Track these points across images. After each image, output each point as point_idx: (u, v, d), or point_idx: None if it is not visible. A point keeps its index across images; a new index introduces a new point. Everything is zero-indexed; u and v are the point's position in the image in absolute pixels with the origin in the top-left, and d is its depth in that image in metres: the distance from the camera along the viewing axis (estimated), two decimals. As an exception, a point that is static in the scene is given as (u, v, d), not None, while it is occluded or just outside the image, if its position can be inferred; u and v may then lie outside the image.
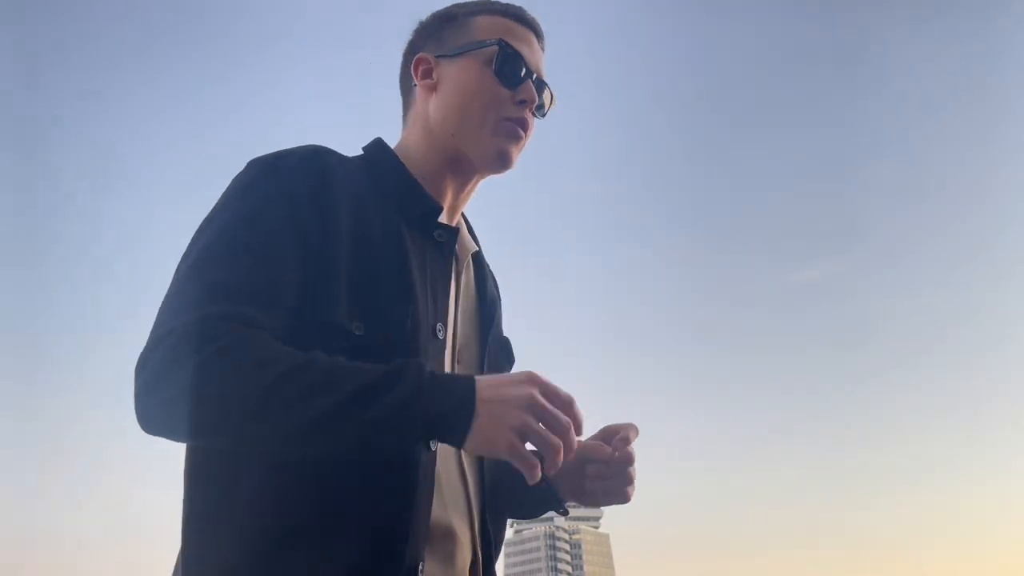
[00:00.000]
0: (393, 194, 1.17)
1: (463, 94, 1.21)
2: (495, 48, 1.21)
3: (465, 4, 1.29)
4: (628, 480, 1.23)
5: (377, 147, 1.26)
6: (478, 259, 1.30)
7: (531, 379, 0.95)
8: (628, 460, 1.22)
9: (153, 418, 0.95)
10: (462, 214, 1.31)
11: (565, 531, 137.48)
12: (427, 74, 1.26)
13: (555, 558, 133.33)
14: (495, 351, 1.30)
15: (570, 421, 0.95)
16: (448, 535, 1.09)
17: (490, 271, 1.35)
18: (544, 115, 1.30)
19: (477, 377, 0.96)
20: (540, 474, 0.94)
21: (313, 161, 1.11)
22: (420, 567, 1.02)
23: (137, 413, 0.95)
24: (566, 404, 0.96)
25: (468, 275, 1.27)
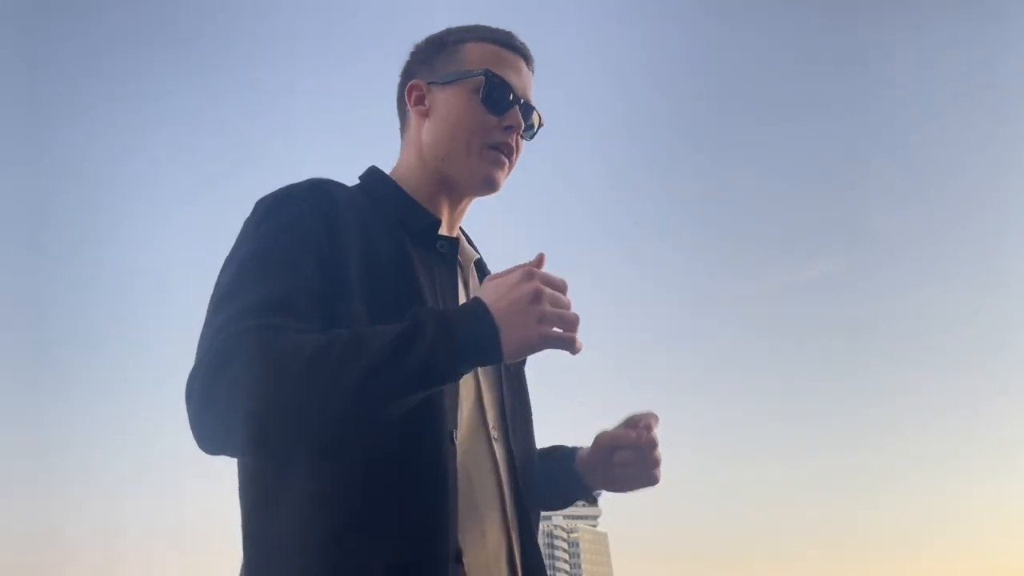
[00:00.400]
0: (394, 213, 1.24)
1: (451, 122, 1.28)
2: (482, 78, 1.27)
3: (455, 31, 1.34)
4: (655, 463, 1.31)
5: (373, 174, 1.33)
6: (480, 266, 1.37)
7: (529, 274, 1.03)
8: (652, 444, 1.30)
9: (211, 440, 1.01)
10: (460, 227, 1.38)
11: (563, 530, 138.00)
12: (420, 100, 1.32)
13: (553, 556, 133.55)
14: None
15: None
16: (477, 523, 1.14)
17: None
18: (532, 137, 1.36)
19: (481, 295, 1.04)
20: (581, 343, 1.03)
21: (319, 190, 1.18)
22: (461, 552, 1.08)
23: (196, 438, 1.01)
24: (563, 287, 1.05)
25: (473, 283, 1.33)
